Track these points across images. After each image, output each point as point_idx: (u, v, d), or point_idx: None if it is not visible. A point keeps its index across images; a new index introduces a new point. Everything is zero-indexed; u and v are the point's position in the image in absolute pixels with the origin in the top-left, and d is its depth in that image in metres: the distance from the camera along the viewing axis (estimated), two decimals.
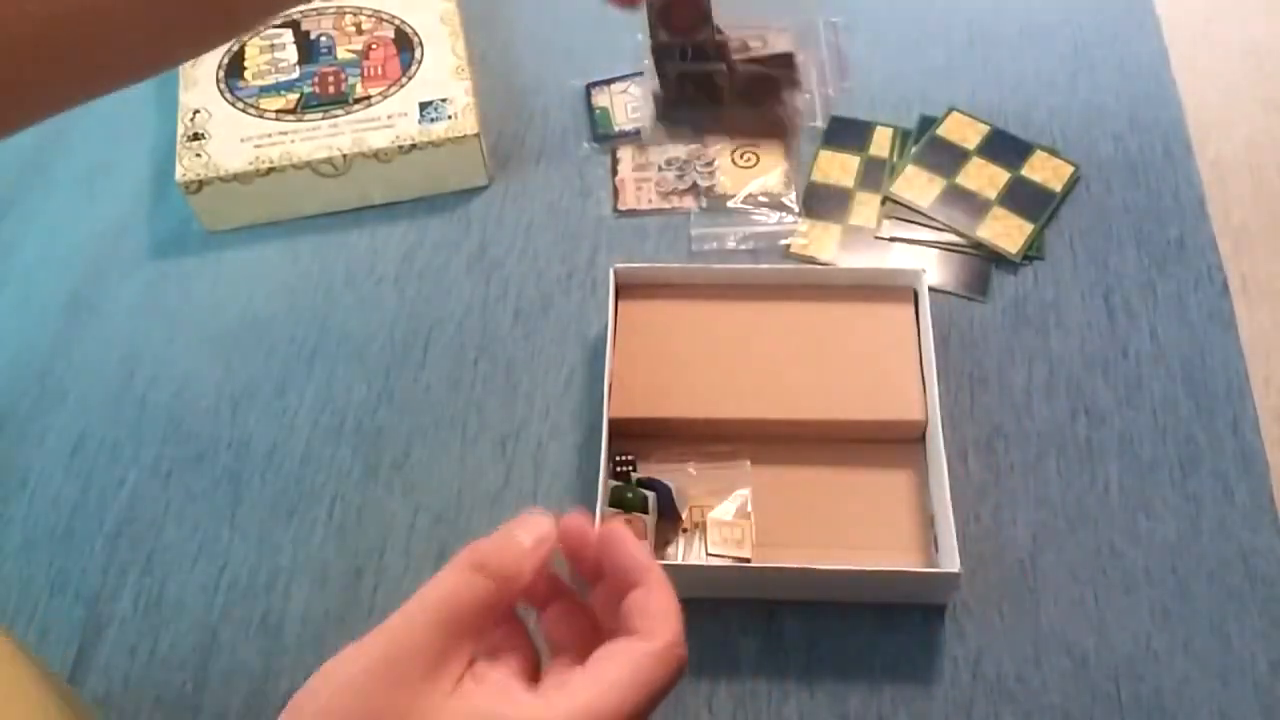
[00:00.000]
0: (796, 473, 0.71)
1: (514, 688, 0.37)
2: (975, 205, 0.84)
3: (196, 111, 0.86)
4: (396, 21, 0.92)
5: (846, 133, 0.88)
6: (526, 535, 0.39)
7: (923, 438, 0.71)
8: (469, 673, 0.36)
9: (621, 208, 0.85)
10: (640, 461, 0.70)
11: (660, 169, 0.86)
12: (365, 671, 0.34)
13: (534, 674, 0.40)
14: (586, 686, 0.36)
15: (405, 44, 0.90)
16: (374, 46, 0.90)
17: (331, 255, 0.84)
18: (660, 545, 0.68)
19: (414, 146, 0.83)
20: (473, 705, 0.35)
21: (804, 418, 0.71)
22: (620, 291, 0.76)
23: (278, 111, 0.86)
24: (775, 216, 0.83)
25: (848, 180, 0.86)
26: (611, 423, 0.69)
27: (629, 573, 0.39)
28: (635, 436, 0.71)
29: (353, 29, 0.91)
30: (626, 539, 0.40)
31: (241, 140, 0.84)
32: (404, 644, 0.35)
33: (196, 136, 0.85)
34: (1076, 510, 0.70)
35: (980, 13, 0.96)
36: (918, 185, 0.85)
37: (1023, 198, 0.84)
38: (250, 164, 0.82)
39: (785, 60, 0.84)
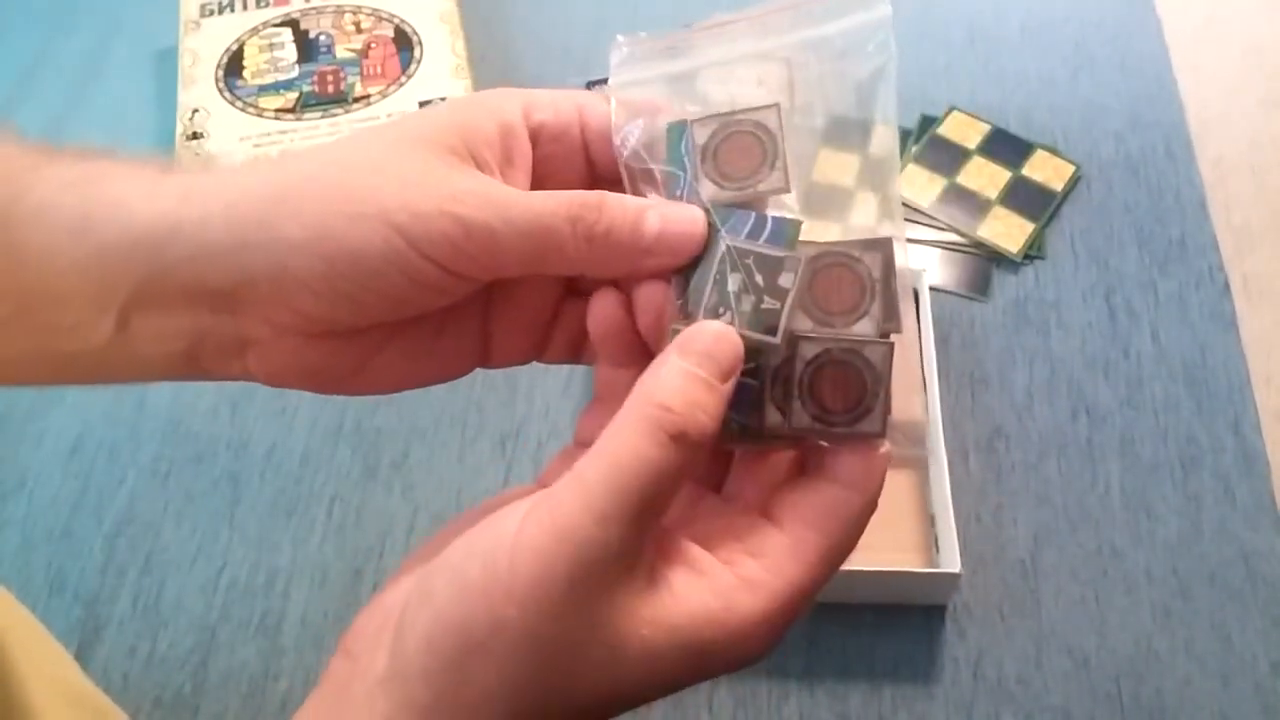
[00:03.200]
0: None
1: (710, 568, 0.30)
2: (976, 205, 0.84)
3: (195, 110, 0.86)
4: (396, 20, 0.91)
5: (847, 132, 0.88)
6: (715, 374, 0.30)
7: (923, 438, 0.71)
8: (657, 551, 0.30)
9: None
10: None
11: None
12: (556, 581, 0.27)
13: (708, 524, 0.32)
14: (792, 562, 0.30)
15: (405, 43, 0.90)
16: (373, 45, 0.90)
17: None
18: None
19: None
20: (681, 610, 0.29)
21: None
22: None
23: (277, 110, 0.86)
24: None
25: (848, 180, 0.85)
26: None
27: None
28: None
29: (352, 28, 0.91)
30: None
31: (240, 139, 0.84)
32: (599, 544, 0.27)
33: (195, 135, 0.84)
34: (1078, 510, 0.70)
35: (980, 12, 0.96)
36: (918, 185, 0.84)
37: (1024, 197, 0.84)
38: None
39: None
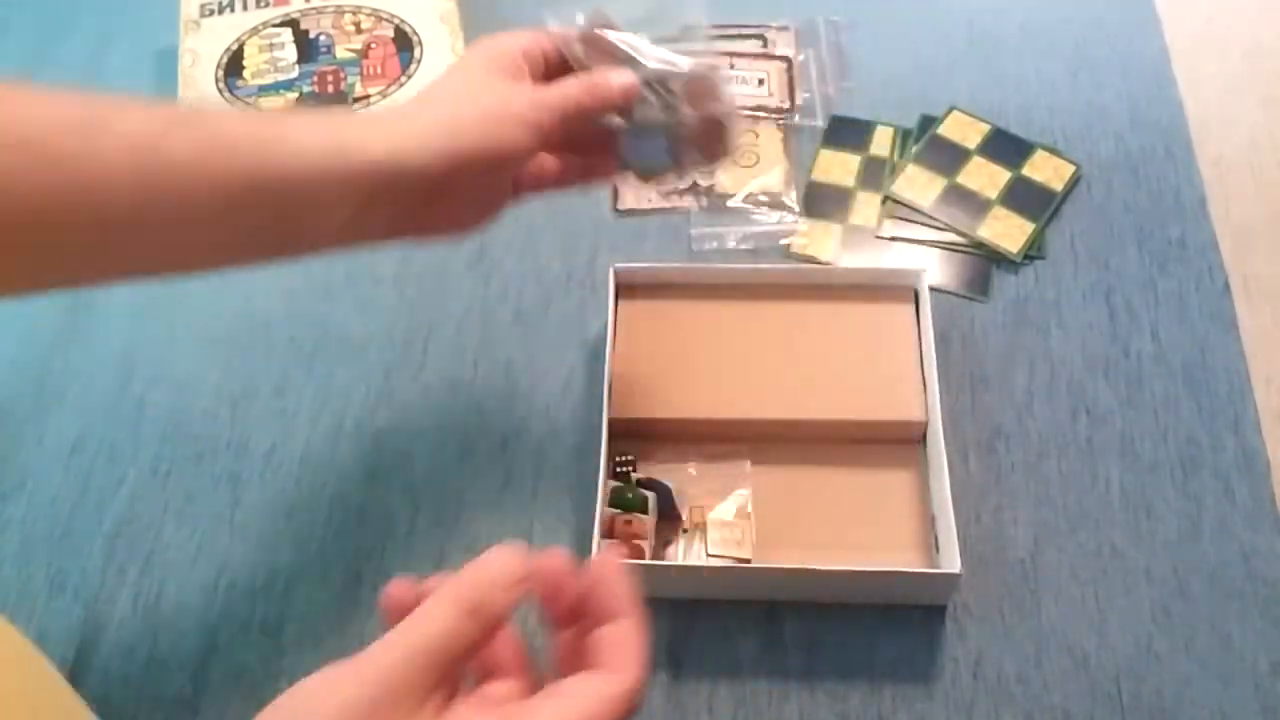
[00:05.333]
0: (796, 473, 0.71)
1: None
2: (976, 205, 0.84)
3: None
4: (396, 20, 0.91)
5: (847, 132, 0.88)
6: (508, 575, 0.39)
7: (923, 438, 0.71)
8: (446, 706, 0.38)
9: (621, 208, 0.85)
10: (640, 462, 0.70)
11: None
12: (351, 707, 0.36)
13: (497, 698, 0.41)
14: None
15: (405, 43, 0.90)
16: (373, 45, 0.90)
17: (331, 255, 0.84)
18: (660, 546, 0.68)
19: None
20: None
21: (804, 418, 0.71)
22: (620, 291, 0.76)
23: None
24: (775, 216, 0.83)
25: (848, 180, 0.85)
26: (611, 423, 0.69)
27: (612, 607, 0.39)
28: (635, 437, 0.70)
29: (352, 28, 0.91)
30: (621, 576, 0.40)
31: None
32: (394, 685, 0.36)
33: None
34: (1077, 510, 0.70)
35: (980, 12, 0.96)
36: (918, 185, 0.84)
37: (1024, 197, 0.84)
38: None
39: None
